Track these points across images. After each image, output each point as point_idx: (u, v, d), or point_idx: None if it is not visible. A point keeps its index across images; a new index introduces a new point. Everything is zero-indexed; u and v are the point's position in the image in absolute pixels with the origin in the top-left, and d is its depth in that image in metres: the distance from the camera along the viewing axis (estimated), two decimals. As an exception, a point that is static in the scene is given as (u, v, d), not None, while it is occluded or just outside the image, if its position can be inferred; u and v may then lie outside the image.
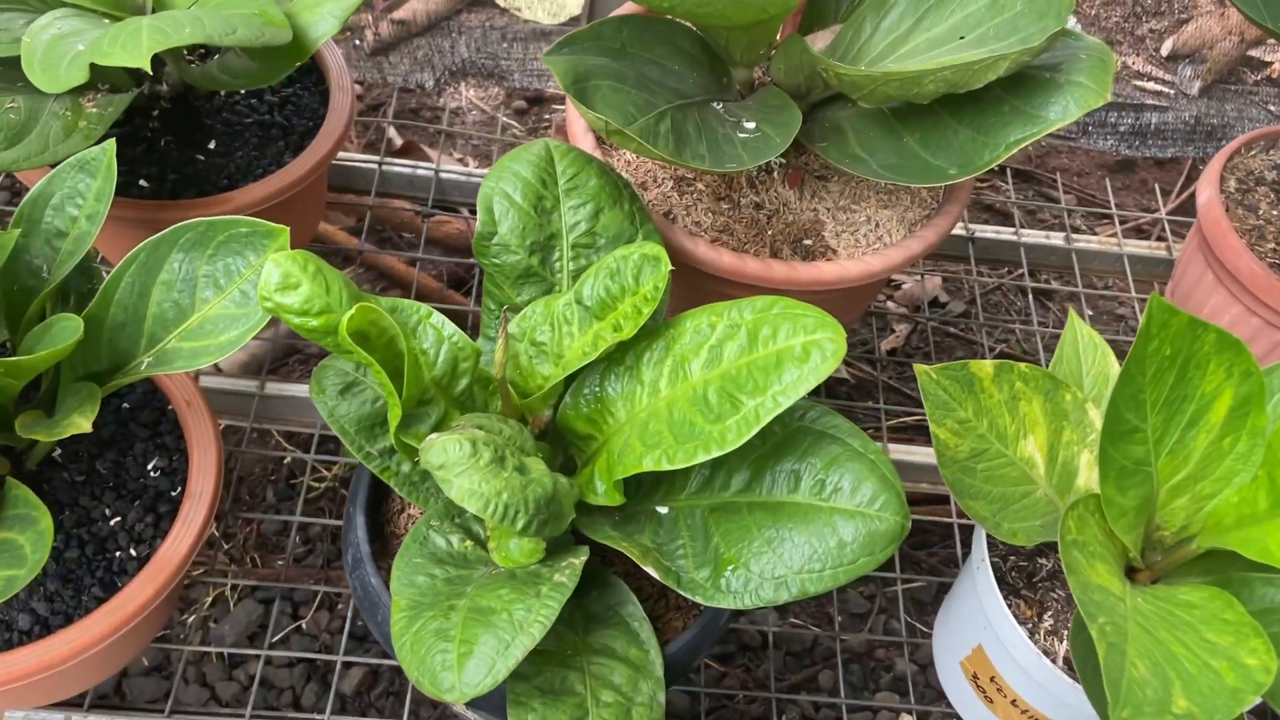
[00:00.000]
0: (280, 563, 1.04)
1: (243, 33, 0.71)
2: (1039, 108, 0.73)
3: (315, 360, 1.19)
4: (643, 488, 0.68)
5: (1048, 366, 0.75)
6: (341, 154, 1.16)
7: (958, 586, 0.83)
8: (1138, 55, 1.53)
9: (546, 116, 1.49)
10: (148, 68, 0.66)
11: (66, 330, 0.61)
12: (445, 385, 0.65)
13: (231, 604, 1.04)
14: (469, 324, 1.15)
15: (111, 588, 0.70)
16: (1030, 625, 0.72)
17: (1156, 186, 1.46)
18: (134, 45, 0.66)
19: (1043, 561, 0.75)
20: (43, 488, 0.73)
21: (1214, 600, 0.62)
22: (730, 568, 0.62)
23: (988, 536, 0.74)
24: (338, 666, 0.89)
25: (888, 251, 0.84)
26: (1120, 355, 0.62)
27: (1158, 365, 0.62)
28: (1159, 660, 0.56)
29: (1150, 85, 1.50)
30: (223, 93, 0.95)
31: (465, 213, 1.22)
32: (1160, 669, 0.56)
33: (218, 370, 1.13)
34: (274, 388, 0.97)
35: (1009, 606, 0.72)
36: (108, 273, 0.68)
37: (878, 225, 0.86)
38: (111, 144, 0.68)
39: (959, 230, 1.17)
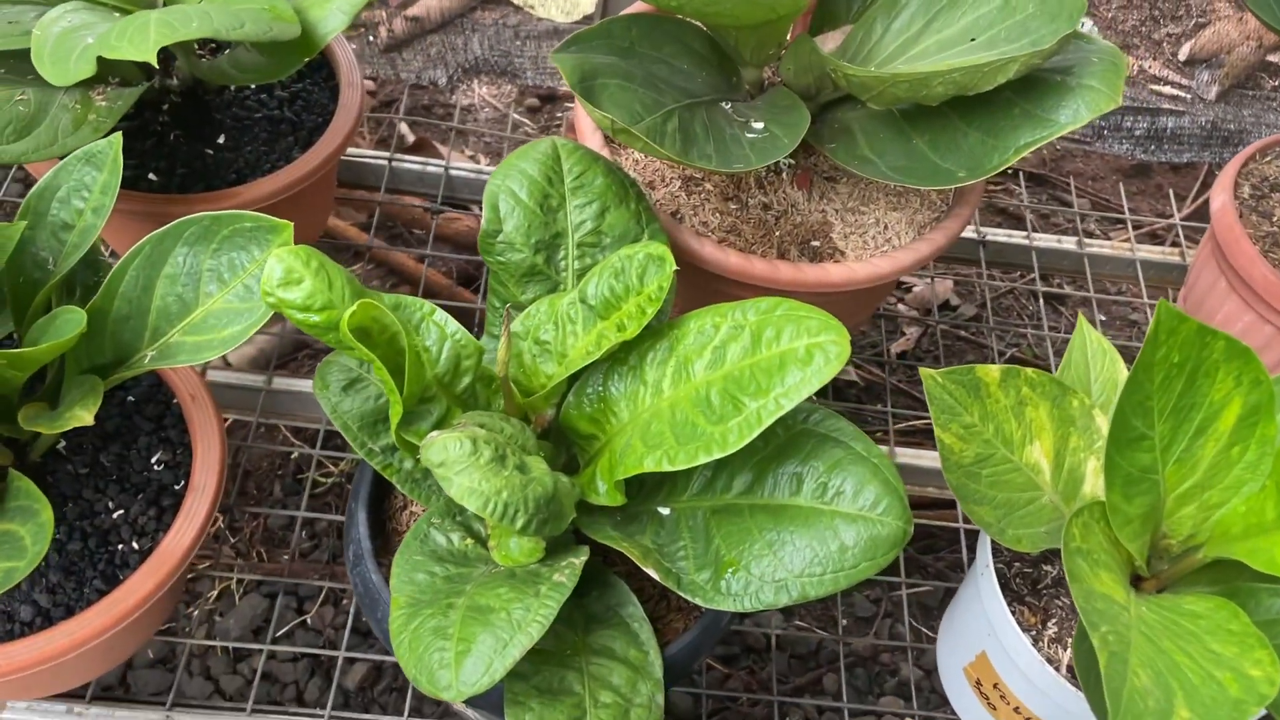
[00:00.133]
0: (286, 557, 1.05)
1: (250, 27, 0.71)
2: (1049, 111, 0.72)
3: (325, 355, 1.20)
4: (645, 488, 0.68)
5: (1058, 372, 0.75)
6: (352, 150, 1.16)
7: (962, 592, 0.83)
8: (1155, 59, 1.52)
9: (559, 114, 1.49)
10: (154, 62, 0.66)
11: (70, 323, 0.61)
12: (447, 383, 0.65)
13: (237, 598, 1.04)
14: (477, 321, 1.15)
15: (113, 581, 0.70)
16: (1034, 632, 0.71)
17: (1171, 192, 1.45)
18: (141, 39, 0.66)
19: (1047, 568, 0.75)
20: (46, 479, 0.73)
21: (1219, 610, 0.61)
22: (731, 570, 0.62)
23: (992, 542, 0.73)
24: (339, 661, 0.89)
25: (896, 254, 0.84)
26: (1133, 361, 0.61)
27: (1166, 372, 0.62)
28: (1162, 670, 0.56)
29: (1167, 89, 1.49)
30: (233, 87, 0.96)
31: (475, 210, 1.22)
32: (1163, 679, 0.55)
33: (226, 364, 1.13)
34: (281, 383, 0.97)
35: (1013, 613, 0.71)
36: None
37: (886, 227, 0.86)
38: (118, 137, 0.68)
39: (970, 233, 1.17)
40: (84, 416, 0.60)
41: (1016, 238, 1.18)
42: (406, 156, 1.17)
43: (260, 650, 0.90)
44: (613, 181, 0.72)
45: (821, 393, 1.14)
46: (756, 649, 1.05)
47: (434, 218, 1.16)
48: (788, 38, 0.82)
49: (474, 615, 0.58)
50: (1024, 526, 0.67)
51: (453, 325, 0.65)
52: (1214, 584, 0.66)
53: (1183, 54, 1.52)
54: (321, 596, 1.04)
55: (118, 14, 0.76)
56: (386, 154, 1.16)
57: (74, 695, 0.79)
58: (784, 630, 1.03)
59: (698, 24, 0.84)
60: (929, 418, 1.16)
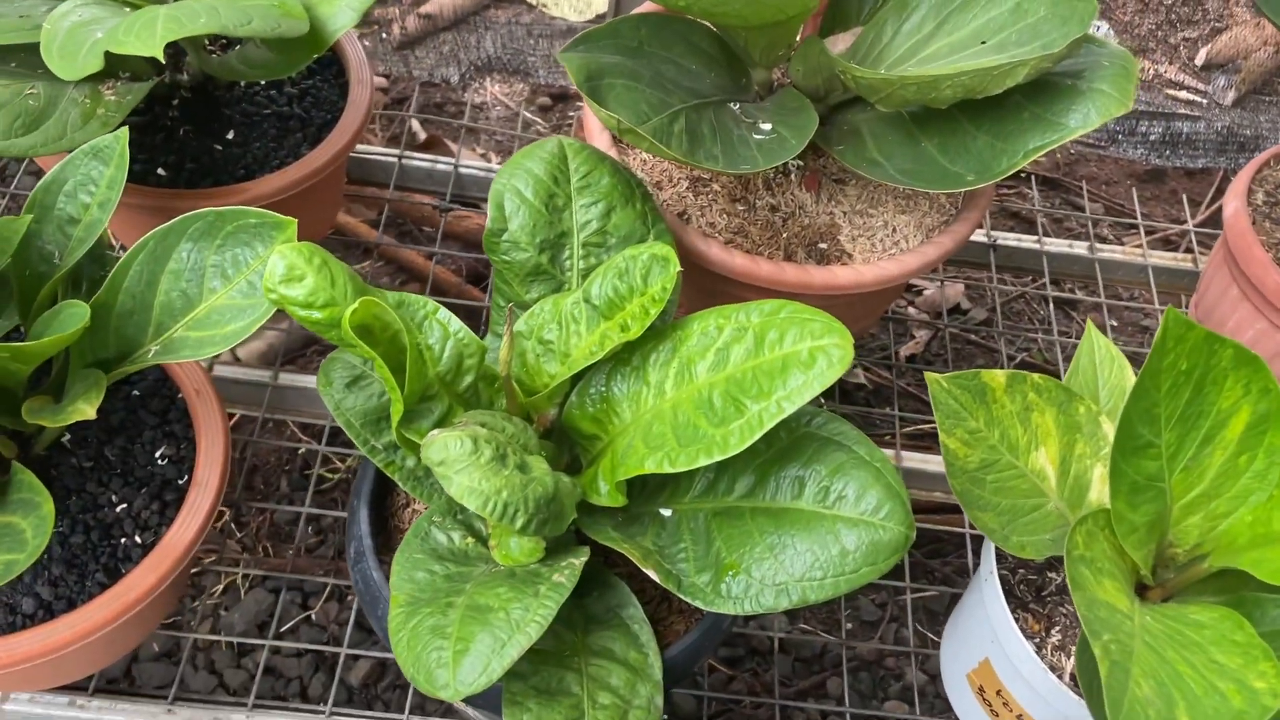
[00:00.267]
0: (291, 553, 1.05)
1: (258, 24, 0.71)
2: (1059, 115, 0.72)
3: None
4: (647, 489, 0.67)
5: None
6: (362, 147, 1.16)
7: (966, 598, 0.82)
8: (1171, 63, 1.51)
9: (570, 113, 1.49)
10: (160, 57, 0.66)
11: (73, 317, 0.61)
12: (450, 381, 0.65)
13: (242, 592, 1.04)
14: (485, 319, 1.15)
15: (115, 574, 0.70)
16: (1038, 640, 0.71)
17: (1185, 197, 1.44)
18: (148, 34, 0.66)
19: (1052, 575, 0.74)
20: (50, 472, 0.73)
21: (1224, 621, 0.60)
22: (731, 573, 0.62)
23: (996, 549, 0.73)
24: (342, 657, 0.89)
25: (904, 257, 0.83)
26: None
27: (1173, 380, 0.61)
28: (1164, 680, 0.55)
29: (1183, 94, 1.48)
30: (242, 83, 0.96)
31: (484, 208, 1.22)
32: (1165, 689, 0.55)
33: (236, 359, 1.14)
34: (288, 378, 0.97)
35: (1017, 620, 0.71)
36: (123, 260, 0.69)
37: (895, 230, 0.86)
38: (124, 132, 0.69)
39: (981, 237, 1.16)
40: (86, 410, 0.60)
41: (1027, 242, 1.17)
42: (416, 154, 1.17)
43: (264, 645, 0.90)
44: (619, 181, 0.72)
45: (829, 394, 1.14)
46: (760, 651, 1.05)
47: (443, 215, 1.16)
48: (797, 39, 0.82)
49: (473, 614, 0.58)
50: (1028, 533, 0.67)
51: (456, 324, 0.65)
52: (1220, 594, 0.66)
53: (1199, 59, 1.51)
54: (326, 592, 1.05)
55: (127, 9, 0.76)
56: (396, 151, 1.16)
57: (77, 688, 0.80)
58: (788, 633, 1.03)
59: (707, 24, 0.83)
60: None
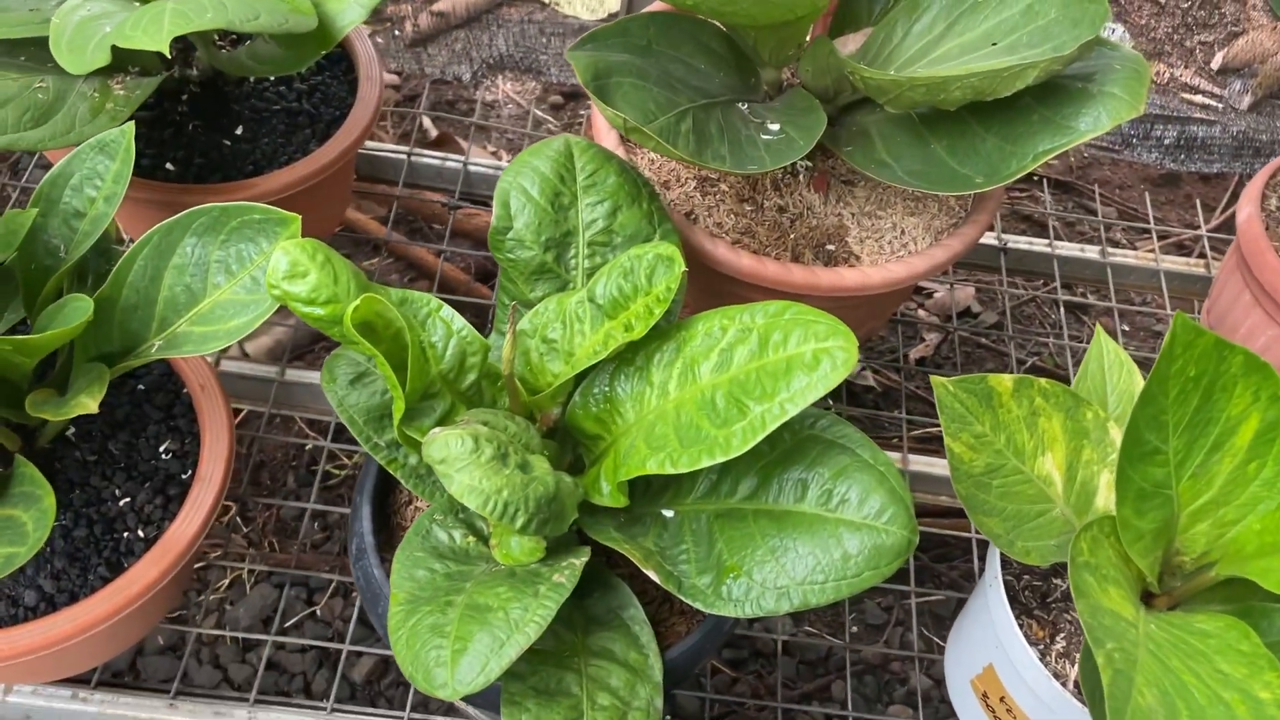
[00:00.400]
0: (296, 548, 1.05)
1: (266, 19, 0.71)
2: (1069, 118, 0.71)
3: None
4: (650, 490, 0.67)
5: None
6: (371, 144, 1.16)
7: (971, 603, 0.82)
8: (1187, 67, 1.50)
9: (582, 112, 1.49)
10: (167, 51, 0.66)
11: (77, 310, 0.61)
12: (452, 379, 0.65)
13: (248, 587, 1.04)
14: (492, 318, 1.15)
15: (118, 568, 0.70)
16: (1042, 646, 0.70)
17: (1200, 202, 1.43)
18: (155, 29, 0.66)
19: (1057, 582, 0.73)
20: (54, 466, 0.73)
21: (1230, 630, 0.60)
22: (732, 575, 0.61)
23: (1001, 554, 0.72)
24: (345, 654, 0.89)
25: (912, 260, 0.83)
26: (1151, 374, 0.60)
27: (1181, 386, 0.61)
28: (1168, 690, 0.55)
29: (1198, 98, 1.47)
30: (252, 79, 0.96)
31: (494, 206, 1.22)
32: (1169, 699, 0.54)
33: (244, 355, 1.14)
34: (295, 374, 0.97)
35: (1021, 626, 0.70)
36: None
37: (903, 232, 0.85)
38: (130, 126, 0.69)
39: (992, 240, 1.16)
40: (88, 404, 0.60)
41: (1039, 245, 1.16)
42: (426, 151, 1.17)
43: (268, 640, 0.90)
44: (625, 181, 0.72)
45: (836, 396, 1.14)
46: (765, 653, 1.04)
47: (452, 213, 1.16)
48: (807, 39, 0.81)
49: (472, 614, 0.58)
50: (1034, 539, 0.66)
51: (459, 322, 0.65)
52: (1227, 603, 0.65)
53: (1215, 63, 1.50)
54: (331, 588, 1.05)
55: (136, 3, 0.76)
56: (406, 148, 1.16)
57: (80, 680, 0.80)
58: (793, 636, 1.03)
59: (716, 24, 0.83)
60: (945, 425, 1.14)
